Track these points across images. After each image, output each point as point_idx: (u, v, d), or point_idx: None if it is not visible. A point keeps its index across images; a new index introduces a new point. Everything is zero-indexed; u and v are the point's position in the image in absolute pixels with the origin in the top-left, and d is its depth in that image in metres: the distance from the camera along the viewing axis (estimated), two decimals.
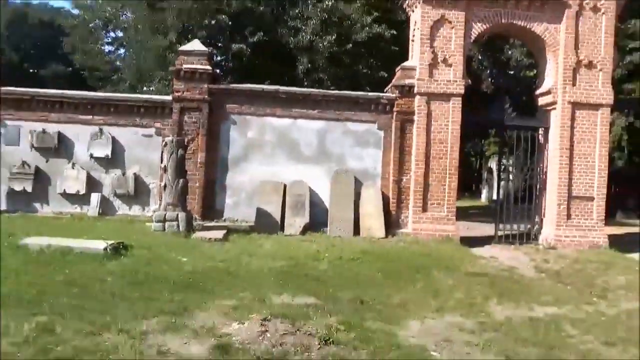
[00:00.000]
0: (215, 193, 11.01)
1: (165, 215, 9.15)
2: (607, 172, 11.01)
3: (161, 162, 9.90)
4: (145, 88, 17.05)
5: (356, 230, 10.61)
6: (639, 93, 18.60)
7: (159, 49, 15.59)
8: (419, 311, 5.72)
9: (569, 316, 5.84)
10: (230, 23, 14.97)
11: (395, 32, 14.74)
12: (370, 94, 11.04)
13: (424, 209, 10.73)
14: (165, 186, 9.39)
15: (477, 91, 21.51)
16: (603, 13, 10.85)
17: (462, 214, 21.01)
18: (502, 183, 12.09)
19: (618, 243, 11.23)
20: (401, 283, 6.92)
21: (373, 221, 10.66)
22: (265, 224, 10.22)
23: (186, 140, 10.13)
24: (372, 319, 5.18)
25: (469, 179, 37.31)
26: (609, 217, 18.48)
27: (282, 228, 10.35)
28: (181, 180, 9.38)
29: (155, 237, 8.63)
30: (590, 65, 10.86)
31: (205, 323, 4.52)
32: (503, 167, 12.13)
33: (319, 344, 4.25)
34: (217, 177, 11.01)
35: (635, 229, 16.23)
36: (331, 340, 4.33)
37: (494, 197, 14.98)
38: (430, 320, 5.46)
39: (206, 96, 10.87)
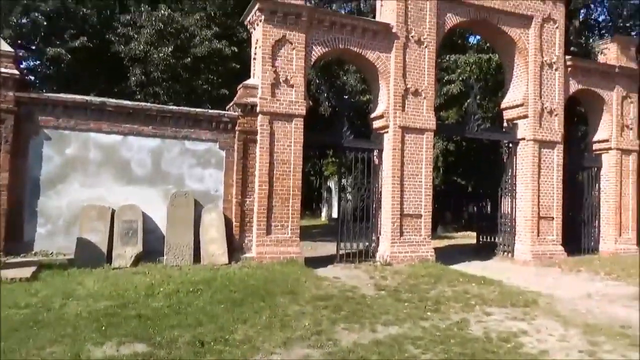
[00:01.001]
0: (24, 221, 9.22)
1: None
2: (432, 190, 12.05)
3: None
4: None
5: (197, 257, 9.83)
6: (451, 119, 21.12)
7: None
8: (265, 346, 5.29)
9: (409, 335, 5.97)
10: (45, 23, 12.99)
11: (236, 50, 14.38)
12: (211, 111, 10.43)
13: (268, 231, 10.43)
14: None
15: (316, 113, 22.31)
16: (426, 46, 11.96)
17: (305, 234, 21.37)
18: (342, 202, 12.43)
19: (442, 256, 12.32)
20: (246, 314, 6.42)
21: (215, 247, 10.00)
22: (89, 256, 8.85)
23: None
24: None
25: (310, 198, 38.70)
26: (433, 232, 20.66)
27: (109, 260, 9.08)
28: None
29: None
30: (416, 93, 11.85)
31: None
32: (342, 187, 12.49)
33: None
34: (25, 201, 9.24)
35: (453, 241, 18.26)
36: None
37: (334, 215, 15.43)
38: (277, 356, 5.07)
39: (12, 106, 9.12)
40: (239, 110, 10.41)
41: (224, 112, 10.53)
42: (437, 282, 9.34)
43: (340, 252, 11.60)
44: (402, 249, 11.47)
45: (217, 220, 10.22)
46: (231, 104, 10.68)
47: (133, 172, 9.82)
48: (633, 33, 18.17)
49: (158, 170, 9.99)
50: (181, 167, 10.13)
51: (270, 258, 10.24)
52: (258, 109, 10.42)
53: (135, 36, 13.43)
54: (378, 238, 11.93)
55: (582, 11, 20.51)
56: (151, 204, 9.85)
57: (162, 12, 13.36)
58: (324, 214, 32.22)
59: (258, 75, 10.69)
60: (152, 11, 13.60)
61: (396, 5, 11.68)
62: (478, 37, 20.70)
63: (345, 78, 19.70)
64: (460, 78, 17.65)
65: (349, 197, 12.29)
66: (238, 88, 10.81)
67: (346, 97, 19.74)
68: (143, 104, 9.98)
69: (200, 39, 13.72)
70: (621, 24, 20.14)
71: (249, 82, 10.78)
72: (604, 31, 20.66)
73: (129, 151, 9.77)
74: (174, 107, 10.22)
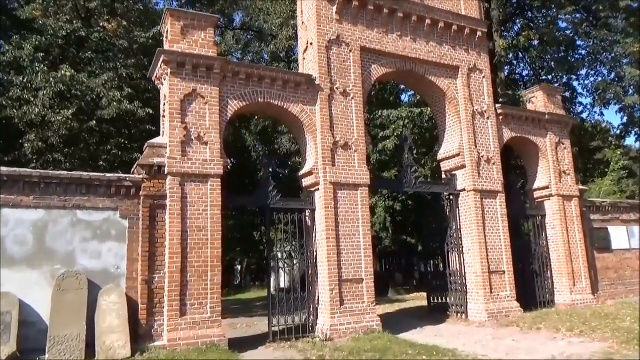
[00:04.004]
0: None
1: None
2: (372, 251, 10.90)
3: None
4: None
5: (91, 351, 7.99)
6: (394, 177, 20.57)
7: None
8: None
9: None
10: None
11: (152, 112, 13.24)
12: (109, 175, 8.99)
13: (182, 312, 8.79)
14: None
15: (253, 177, 21.20)
16: (353, 98, 11.29)
17: (247, 307, 19.59)
18: (272, 271, 11.04)
19: (391, 323, 11.00)
20: None
21: (115, 337, 8.21)
22: None
23: None
24: None
25: (259, 268, 36.61)
26: (382, 296, 19.37)
27: None
28: None
29: None
30: (346, 147, 10.99)
31: None
32: (272, 254, 11.15)
33: None
34: None
35: (405, 305, 16.96)
36: None
37: (282, 285, 13.94)
38: None
39: None
40: (144, 172, 9.05)
41: (125, 175, 9.12)
42: (382, 358, 7.93)
43: (274, 328, 10.05)
44: (343, 320, 10.04)
45: (118, 303, 8.49)
46: (135, 165, 9.32)
47: (8, 252, 8.06)
48: (556, 84, 18.69)
49: (42, 248, 8.28)
50: (72, 242, 8.47)
51: (186, 345, 8.54)
52: (166, 169, 9.12)
53: (32, 99, 12.04)
54: (317, 309, 10.48)
55: (506, 68, 21.17)
56: (32, 290, 8.05)
57: (64, 72, 12.12)
58: (272, 284, 30.24)
59: (167, 133, 9.50)
60: (52, 71, 12.32)
61: (318, 57, 11.07)
62: (410, 93, 20.78)
63: (279, 140, 18.88)
64: (395, 134, 17.22)
65: (281, 264, 10.93)
66: (144, 148, 9.52)
67: (277, 161, 18.81)
68: (21, 169, 8.43)
69: (107, 100, 12.47)
70: (544, 77, 20.82)
71: (155, 140, 9.54)
72: (528, 85, 21.26)
73: (3, 227, 8.07)
74: (63, 172, 8.71)
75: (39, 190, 8.32)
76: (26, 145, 11.90)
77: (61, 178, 8.48)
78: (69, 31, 13.16)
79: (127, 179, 8.99)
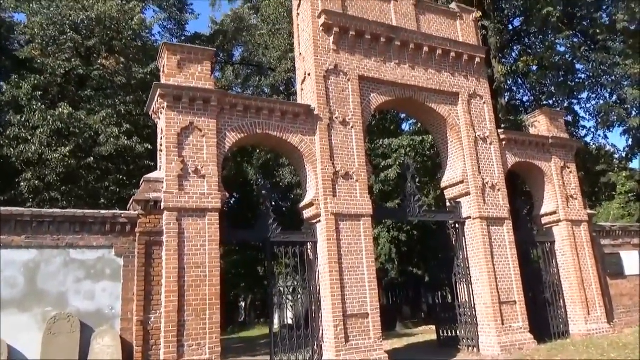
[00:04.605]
0: None
1: None
2: (377, 284, 10.51)
3: None
4: None
5: None
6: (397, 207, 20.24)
7: None
8: None
9: None
10: None
11: (150, 147, 13.12)
12: (104, 211, 8.76)
13: (180, 354, 8.38)
14: None
15: (255, 211, 20.91)
16: (352, 127, 11.13)
17: (250, 346, 18.97)
18: (274, 307, 10.64)
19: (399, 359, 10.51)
20: None
21: None
22: None
23: None
24: None
25: (264, 304, 35.82)
26: (390, 330, 18.75)
27: None
28: None
29: None
30: (347, 176, 10.76)
31: None
32: (273, 290, 10.76)
33: None
34: None
35: (413, 339, 16.36)
36: None
37: (287, 321, 13.45)
38: None
39: None
40: (140, 207, 8.82)
41: (120, 211, 8.90)
42: None
43: None
44: (349, 357, 9.58)
45: (112, 346, 8.11)
46: (130, 201, 9.10)
47: None
48: (558, 109, 18.56)
49: (33, 289, 7.97)
50: (64, 282, 8.17)
51: None
52: (163, 204, 8.88)
53: (29, 137, 11.95)
54: (321, 347, 10.02)
55: (506, 94, 21.11)
56: (22, 334, 7.71)
57: (62, 110, 12.06)
58: (276, 320, 29.52)
59: (164, 167, 9.31)
60: (49, 109, 12.26)
61: (316, 87, 10.97)
62: (411, 121, 20.68)
63: (280, 172, 18.71)
64: (397, 162, 17.01)
65: (284, 300, 10.54)
66: (140, 183, 9.32)
67: (278, 195, 18.57)
68: (13, 208, 8.21)
69: (105, 137, 12.37)
70: (545, 102, 20.72)
71: (152, 175, 9.35)
72: (529, 110, 21.15)
73: None
74: (56, 210, 8.49)
75: (31, 229, 8.08)
76: (22, 184, 11.75)
77: (54, 216, 8.25)
78: (67, 69, 13.21)
79: (123, 215, 8.75)
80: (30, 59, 13.34)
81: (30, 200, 11.65)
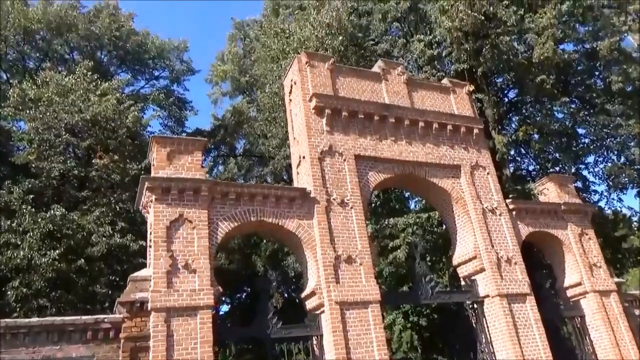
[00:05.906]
0: None
1: None
2: None
3: None
4: None
5: None
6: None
7: None
8: None
9: None
10: None
11: (144, 244, 12.61)
12: (85, 317, 8.06)
13: None
14: None
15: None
16: (352, 207, 10.64)
17: None
18: None
19: None
20: None
21: None
22: None
23: None
24: None
25: None
26: None
27: None
28: None
29: None
30: (350, 260, 10.07)
31: None
32: None
33: None
34: None
35: None
36: None
37: None
38: None
39: None
40: (125, 310, 8.12)
41: (102, 316, 8.19)
42: None
43: None
44: None
45: None
46: (116, 304, 8.42)
47: None
48: (566, 175, 18.05)
49: None
50: None
51: None
52: (150, 305, 8.18)
53: (19, 243, 11.54)
54: None
55: (510, 165, 20.76)
56: None
57: (54, 212, 11.77)
58: None
59: (152, 263, 8.73)
60: (40, 212, 11.96)
61: (311, 169, 10.66)
62: (417, 199, 20.15)
63: (286, 261, 17.94)
64: (405, 242, 16.26)
65: None
66: (127, 283, 8.69)
67: (285, 285, 17.68)
68: None
69: (97, 236, 11.93)
70: (551, 169, 20.25)
71: (139, 273, 8.75)
72: (536, 179, 20.66)
73: None
74: (32, 320, 7.79)
75: (4, 342, 7.37)
76: (9, 292, 11.14)
77: (29, 326, 7.56)
78: (62, 171, 13.17)
79: (105, 320, 8.05)
80: (26, 163, 13.37)
81: (18, 309, 11.00)
